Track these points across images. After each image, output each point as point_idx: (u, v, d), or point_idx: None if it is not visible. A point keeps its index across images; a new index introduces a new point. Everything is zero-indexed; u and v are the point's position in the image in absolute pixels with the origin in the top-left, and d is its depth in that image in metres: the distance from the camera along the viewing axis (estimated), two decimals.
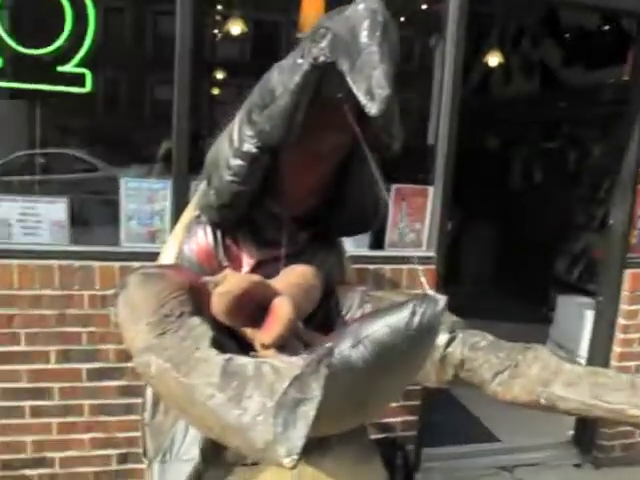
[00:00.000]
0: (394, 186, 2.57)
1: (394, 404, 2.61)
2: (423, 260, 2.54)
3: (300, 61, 1.21)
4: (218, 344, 1.17)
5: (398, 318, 1.06)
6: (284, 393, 0.94)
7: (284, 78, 1.26)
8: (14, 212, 2.25)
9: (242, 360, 1.03)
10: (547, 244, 5.27)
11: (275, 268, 1.62)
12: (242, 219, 1.61)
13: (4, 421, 2.29)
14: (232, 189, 1.45)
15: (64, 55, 2.20)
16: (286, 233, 1.61)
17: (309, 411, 0.93)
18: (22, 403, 2.29)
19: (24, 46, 2.15)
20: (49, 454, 2.35)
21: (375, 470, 1.63)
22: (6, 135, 3.50)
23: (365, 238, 2.55)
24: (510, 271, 5.62)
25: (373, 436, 2.54)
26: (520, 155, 5.59)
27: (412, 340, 1.06)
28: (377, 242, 2.61)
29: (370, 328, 1.09)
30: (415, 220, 2.58)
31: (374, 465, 1.62)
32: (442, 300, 1.05)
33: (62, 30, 2.16)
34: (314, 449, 1.51)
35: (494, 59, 5.73)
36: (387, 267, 2.51)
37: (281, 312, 1.30)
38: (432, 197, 2.56)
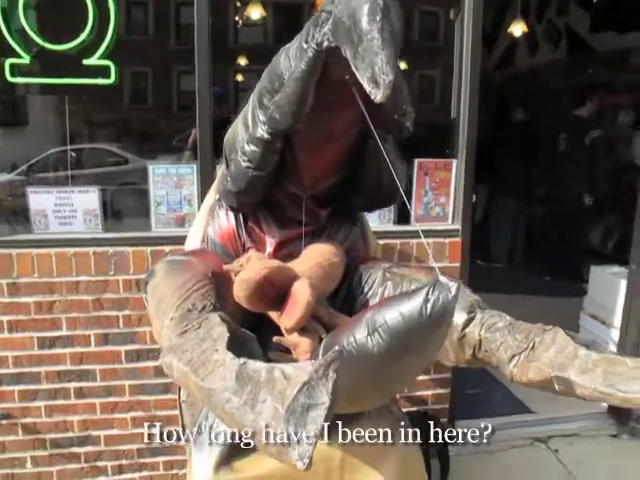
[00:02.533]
0: (417, 160, 2.57)
1: (425, 377, 2.64)
2: (449, 233, 2.55)
3: (305, 46, 1.20)
4: (237, 341, 1.20)
5: (411, 306, 1.08)
6: (294, 399, 0.96)
7: (291, 64, 1.26)
8: (49, 203, 2.34)
9: (256, 365, 1.05)
10: (580, 216, 5.18)
11: (298, 247, 1.65)
12: (261, 201, 1.63)
13: (51, 402, 2.40)
14: (247, 174, 1.48)
15: (88, 48, 2.26)
16: (306, 212, 1.64)
17: (318, 416, 0.95)
18: (67, 385, 2.40)
19: (49, 42, 2.22)
20: (94, 432, 2.46)
21: (408, 439, 1.66)
22: (40, 133, 3.63)
23: (390, 213, 2.57)
24: (542, 245, 5.54)
25: (405, 409, 2.58)
26: (549, 126, 5.47)
27: (425, 328, 1.08)
28: (403, 217, 2.62)
29: (385, 316, 1.12)
30: (440, 194, 2.58)
31: (407, 434, 1.65)
32: (454, 287, 1.06)
33: (85, 24, 2.22)
34: (347, 423, 1.55)
35: (518, 29, 5.60)
36: (413, 241, 2.52)
37: (300, 296, 1.33)
38: (456, 170, 2.55)
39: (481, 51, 2.51)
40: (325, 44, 1.14)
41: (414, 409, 2.61)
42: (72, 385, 2.40)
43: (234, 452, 1.45)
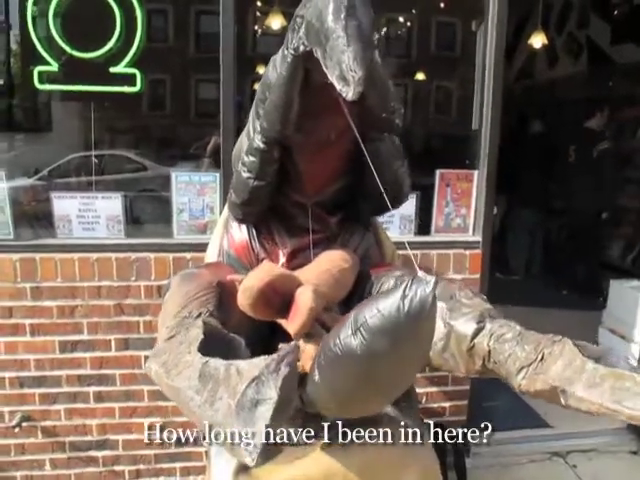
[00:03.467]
0: (438, 171, 2.58)
1: (443, 389, 2.63)
2: (469, 245, 2.54)
3: (285, 53, 1.21)
4: (224, 345, 1.20)
5: (389, 303, 1.06)
6: (242, 394, 0.96)
7: (275, 72, 1.28)
8: (73, 208, 2.37)
9: (216, 363, 1.05)
10: (598, 229, 5.13)
11: (309, 255, 1.64)
12: (270, 212, 1.63)
13: (71, 405, 2.42)
14: (248, 185, 1.49)
15: (115, 56, 2.30)
16: (314, 219, 1.64)
17: (266, 412, 0.94)
18: (86, 389, 2.42)
19: (78, 50, 2.26)
20: (112, 437, 2.47)
21: (425, 452, 1.65)
22: (61, 138, 3.68)
23: (410, 224, 2.56)
24: (560, 258, 5.50)
25: (424, 420, 2.56)
26: (567, 138, 5.45)
27: (404, 324, 1.06)
28: (423, 227, 2.62)
29: (365, 315, 1.10)
30: (461, 205, 2.58)
31: (424, 447, 1.64)
32: (431, 281, 1.04)
33: (113, 32, 2.25)
34: (363, 428, 1.55)
35: (538, 41, 5.59)
36: (433, 252, 2.51)
37: (302, 303, 1.32)
38: (477, 181, 2.55)
39: (504, 62, 2.51)
40: (301, 48, 1.15)
41: (430, 421, 2.59)
42: (92, 389, 2.42)
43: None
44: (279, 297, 1.37)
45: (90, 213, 2.39)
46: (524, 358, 1.25)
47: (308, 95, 1.29)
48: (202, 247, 2.11)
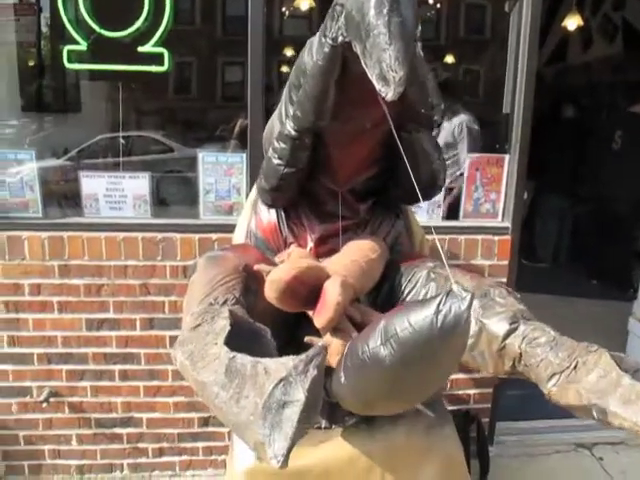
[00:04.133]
0: (468, 155, 2.52)
1: (468, 376, 2.60)
2: (498, 230, 2.49)
3: (323, 40, 1.17)
4: (249, 335, 1.19)
5: (422, 317, 1.03)
6: (270, 395, 0.95)
7: (311, 59, 1.23)
8: (101, 188, 2.38)
9: (243, 359, 1.04)
10: (631, 217, 4.99)
11: (338, 242, 1.62)
12: (300, 196, 1.62)
13: (97, 383, 2.46)
14: (279, 172, 1.47)
15: (144, 35, 2.28)
16: (345, 206, 1.61)
17: (293, 414, 0.93)
18: (112, 367, 2.44)
19: (106, 29, 2.25)
20: (137, 415, 2.51)
21: (448, 440, 1.63)
22: (90, 119, 3.71)
23: (439, 209, 2.52)
24: (590, 246, 5.37)
25: (448, 407, 2.54)
26: (601, 123, 5.29)
27: (436, 340, 1.03)
28: (452, 212, 2.57)
29: (396, 327, 1.08)
30: (491, 190, 2.52)
31: (447, 435, 1.63)
32: (467, 298, 1.01)
33: (141, 11, 2.24)
34: (385, 420, 1.53)
35: (572, 22, 5.42)
36: (461, 237, 2.47)
37: (330, 297, 1.30)
38: (508, 166, 2.48)
39: (538, 44, 2.43)
40: (340, 39, 1.11)
41: (454, 408, 2.57)
42: (117, 367, 2.44)
43: None
44: (306, 289, 1.36)
45: (117, 193, 2.40)
46: (557, 365, 1.20)
47: (345, 84, 1.26)
48: (228, 228, 2.12)
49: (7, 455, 2.52)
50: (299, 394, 0.94)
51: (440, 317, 1.01)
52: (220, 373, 1.04)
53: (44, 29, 3.10)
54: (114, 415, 2.50)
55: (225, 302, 1.30)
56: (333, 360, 1.37)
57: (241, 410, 0.99)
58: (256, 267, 1.47)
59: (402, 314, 1.10)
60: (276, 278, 1.34)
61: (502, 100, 2.55)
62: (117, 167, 2.67)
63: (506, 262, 2.49)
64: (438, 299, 1.03)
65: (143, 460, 2.56)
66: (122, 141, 3.79)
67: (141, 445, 2.54)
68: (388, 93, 0.99)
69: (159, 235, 2.34)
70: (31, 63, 3.16)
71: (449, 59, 6.17)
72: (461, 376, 2.59)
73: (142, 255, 2.34)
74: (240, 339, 1.16)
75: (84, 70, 2.63)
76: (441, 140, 3.09)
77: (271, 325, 1.50)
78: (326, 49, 1.17)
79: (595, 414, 1.13)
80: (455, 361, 1.19)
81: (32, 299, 2.35)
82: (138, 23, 2.25)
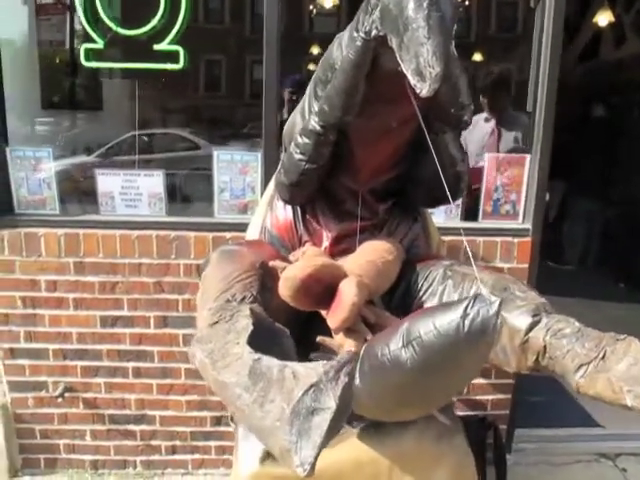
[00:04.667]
0: (487, 155, 2.46)
1: (485, 381, 2.54)
2: (518, 232, 2.42)
3: (355, 35, 1.15)
4: (268, 335, 1.17)
5: (448, 321, 1.00)
6: (299, 401, 0.92)
7: (341, 54, 1.21)
8: (116, 186, 2.39)
9: (270, 362, 1.01)
10: None
11: (354, 242, 1.60)
12: (318, 194, 1.59)
13: (111, 380, 2.47)
14: (300, 167, 1.44)
15: (160, 33, 2.28)
16: (364, 206, 1.58)
17: (323, 422, 0.90)
18: (126, 364, 2.46)
19: (123, 27, 2.25)
20: (150, 412, 2.51)
21: (459, 448, 1.59)
22: (114, 118, 3.74)
23: (457, 209, 2.46)
24: (618, 249, 5.22)
25: (463, 413, 2.49)
26: (633, 122, 5.13)
27: (462, 345, 1.00)
28: (471, 213, 2.51)
29: (420, 329, 1.04)
30: (511, 190, 2.45)
31: (458, 443, 1.58)
32: (496, 302, 0.97)
33: (157, 9, 2.24)
34: (394, 426, 1.49)
35: (604, 19, 5.27)
36: (480, 239, 2.40)
37: (345, 297, 1.27)
38: (529, 166, 2.41)
39: (562, 41, 2.35)
40: (374, 33, 1.08)
41: (471, 413, 2.51)
42: (131, 365, 2.45)
43: None
44: (321, 287, 1.33)
45: (132, 190, 2.40)
46: (584, 355, 1.16)
47: (373, 80, 1.23)
48: (242, 227, 2.10)
49: (24, 448, 2.56)
50: (330, 401, 0.92)
51: (467, 322, 0.97)
52: (243, 375, 1.02)
53: (67, 28, 3.13)
54: (127, 412, 2.51)
55: (243, 299, 1.29)
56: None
57: (265, 414, 0.97)
58: (271, 263, 1.45)
59: (427, 316, 1.06)
60: (291, 275, 1.31)
61: (526, 98, 2.49)
62: (143, 164, 2.67)
63: (526, 265, 2.42)
64: (465, 302, 0.99)
65: (156, 457, 2.56)
66: (145, 138, 3.82)
67: (154, 442, 2.55)
68: (423, 89, 0.97)
69: (173, 233, 2.34)
70: (53, 61, 3.20)
71: (477, 57, 6.07)
72: (479, 381, 2.53)
73: (156, 253, 2.34)
74: (260, 339, 1.15)
75: (104, 68, 2.65)
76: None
77: (285, 322, 1.49)
78: (358, 43, 1.15)
79: (629, 401, 1.09)
80: (479, 367, 1.15)
81: (48, 295, 2.37)
82: (154, 21, 2.24)
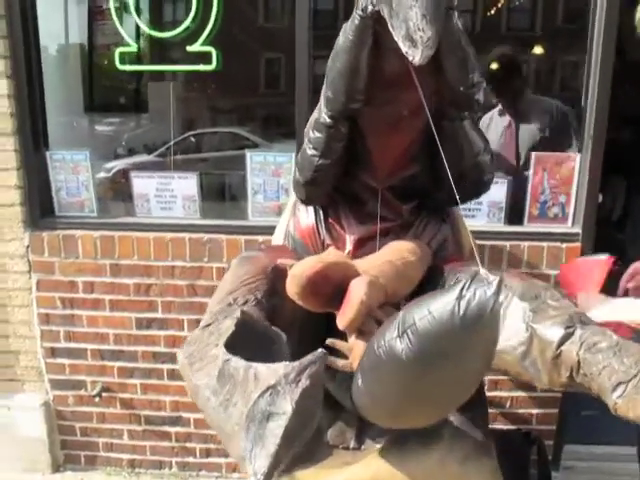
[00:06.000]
0: (534, 154, 2.30)
1: (530, 394, 2.39)
2: (567, 237, 2.26)
3: (353, 14, 1.11)
4: (264, 340, 1.11)
5: (442, 304, 0.92)
6: (254, 404, 0.86)
7: (342, 37, 1.17)
8: (151, 188, 2.40)
9: (237, 363, 0.95)
10: None
11: (377, 245, 1.53)
12: (337, 195, 1.53)
13: (146, 381, 2.49)
14: (313, 163, 1.39)
15: (192, 35, 2.27)
16: (385, 206, 1.50)
17: (277, 428, 0.83)
18: (160, 366, 2.47)
19: (155, 30, 2.26)
20: (185, 414, 2.52)
21: (486, 470, 1.48)
22: (159, 120, 3.76)
23: (500, 212, 2.33)
24: None
25: (505, 427, 2.36)
26: None
27: (459, 330, 0.91)
28: (515, 216, 2.37)
29: (414, 316, 0.97)
30: (559, 192, 2.29)
31: (485, 464, 1.47)
32: (494, 282, 0.88)
33: (189, 11, 2.22)
34: (418, 445, 1.41)
35: None
36: (524, 244, 2.26)
37: (354, 295, 1.20)
38: (579, 166, 2.25)
39: (616, 31, 2.17)
40: (369, 8, 1.04)
41: (513, 428, 2.38)
42: (165, 367, 2.46)
43: (298, 460, 1.37)
44: (331, 286, 1.26)
45: (167, 193, 2.41)
46: (622, 372, 1.03)
47: (378, 63, 1.17)
48: (274, 230, 2.06)
49: (65, 445, 2.62)
50: (286, 405, 0.85)
51: (463, 303, 0.89)
52: (213, 376, 0.97)
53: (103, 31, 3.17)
54: (163, 413, 2.52)
55: (245, 302, 1.24)
56: (356, 364, 1.27)
57: (228, 418, 0.92)
58: (279, 261, 1.39)
59: (421, 302, 0.99)
60: (298, 272, 1.24)
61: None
62: (200, 163, 2.64)
63: None
64: (462, 283, 0.91)
65: (191, 460, 2.57)
66: (192, 139, 3.84)
67: (189, 445, 2.55)
68: (415, 56, 0.91)
69: (205, 236, 2.32)
70: (95, 65, 3.25)
71: (537, 50, 5.80)
72: (521, 394, 2.39)
73: (189, 256, 2.34)
74: (249, 342, 1.09)
75: (146, 71, 2.67)
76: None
77: (299, 330, 1.42)
78: (356, 21, 1.10)
79: None
80: (483, 359, 1.04)
81: (86, 296, 2.41)
82: (187, 23, 2.23)
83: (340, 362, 1.29)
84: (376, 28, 1.08)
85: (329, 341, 1.29)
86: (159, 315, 2.41)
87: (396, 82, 1.17)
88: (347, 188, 1.52)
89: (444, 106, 1.27)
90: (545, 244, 2.26)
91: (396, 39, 0.93)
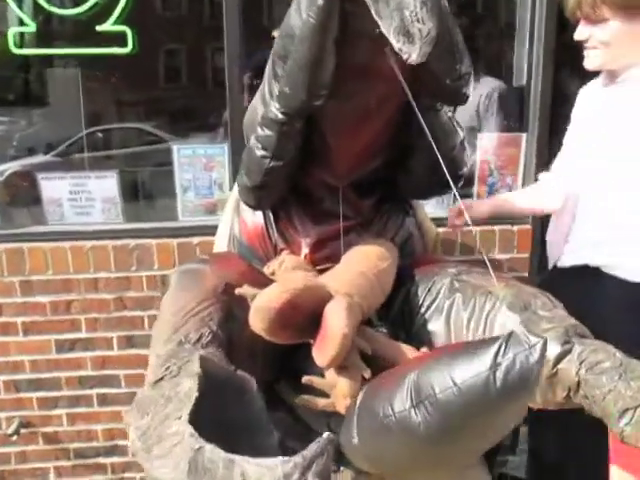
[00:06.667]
0: (479, 135, 2.23)
1: None
2: (517, 220, 2.20)
3: None
4: (232, 391, 0.95)
5: (472, 374, 0.79)
6: None
7: (300, 19, 0.95)
8: (64, 191, 2.10)
9: (213, 454, 0.76)
10: None
11: (338, 246, 1.37)
12: (290, 194, 1.37)
13: (73, 410, 2.21)
14: (263, 166, 1.19)
15: (102, 13, 1.98)
16: (346, 203, 1.35)
17: None
18: (89, 392, 2.20)
19: (57, 6, 1.94)
20: (121, 442, 2.26)
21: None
22: (61, 114, 3.38)
23: (449, 197, 2.23)
24: None
25: None
26: None
27: (493, 404, 0.80)
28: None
29: (434, 385, 0.84)
30: (507, 173, 2.23)
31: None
32: (537, 346, 0.77)
33: None
34: None
35: None
36: (476, 229, 2.17)
37: (333, 327, 1.03)
38: (526, 146, 2.19)
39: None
40: None
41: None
42: (95, 392, 2.19)
43: None
44: (303, 315, 1.09)
45: (83, 195, 2.12)
46: (630, 398, 0.91)
47: (343, 50, 0.97)
48: (211, 230, 1.85)
49: None
50: None
51: (499, 374, 0.78)
52: (182, 470, 0.76)
53: None
54: (95, 444, 2.25)
55: (199, 339, 1.05)
56: (340, 405, 1.12)
57: None
58: (237, 291, 1.19)
59: (441, 366, 0.86)
60: (264, 306, 1.06)
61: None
62: (99, 163, 2.38)
63: (527, 255, 2.22)
64: (494, 347, 0.77)
65: None
66: (102, 135, 3.49)
67: (127, 475, 2.30)
68: (412, 53, 0.75)
69: (132, 242, 2.06)
70: None
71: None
72: None
73: (114, 266, 2.07)
74: (215, 398, 0.91)
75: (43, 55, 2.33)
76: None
77: (262, 355, 1.24)
78: (320, 2, 0.89)
79: None
80: (517, 417, 0.94)
81: None
82: None
83: (321, 402, 1.14)
84: (345, 7, 0.89)
85: (306, 379, 1.13)
86: (83, 335, 2.13)
87: (364, 71, 1.00)
88: (300, 185, 1.35)
89: (422, 97, 1.10)
90: (497, 228, 2.19)
91: (385, 31, 0.75)
